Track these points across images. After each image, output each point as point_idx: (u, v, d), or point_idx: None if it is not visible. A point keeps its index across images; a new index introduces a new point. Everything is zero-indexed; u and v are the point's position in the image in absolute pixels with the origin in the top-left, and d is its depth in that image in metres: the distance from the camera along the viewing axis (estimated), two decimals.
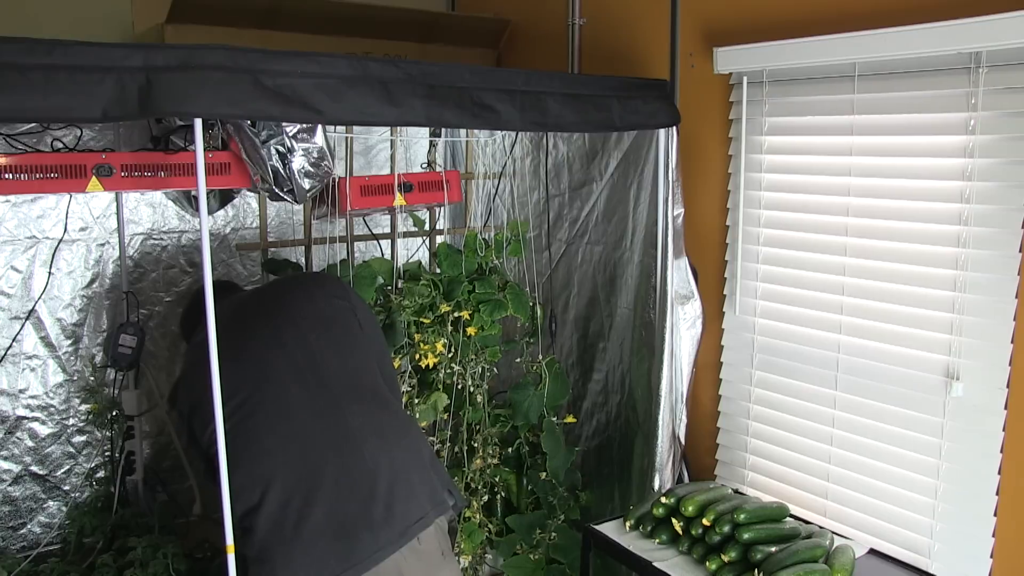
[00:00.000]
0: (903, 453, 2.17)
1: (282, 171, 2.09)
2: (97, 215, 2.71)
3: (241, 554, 1.74)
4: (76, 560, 2.41)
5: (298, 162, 2.10)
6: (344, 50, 2.72)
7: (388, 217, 2.82)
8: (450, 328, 2.58)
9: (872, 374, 2.23)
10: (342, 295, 2.12)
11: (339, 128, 2.52)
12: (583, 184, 2.89)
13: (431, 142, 2.81)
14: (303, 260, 2.75)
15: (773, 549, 2.07)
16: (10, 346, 2.59)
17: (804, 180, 2.36)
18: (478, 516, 2.65)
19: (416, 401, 2.55)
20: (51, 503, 2.71)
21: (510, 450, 2.74)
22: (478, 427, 2.68)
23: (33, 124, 2.08)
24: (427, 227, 2.90)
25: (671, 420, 2.56)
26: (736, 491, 2.45)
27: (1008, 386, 1.97)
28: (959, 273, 2.03)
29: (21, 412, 2.64)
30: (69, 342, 2.70)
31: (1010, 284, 1.95)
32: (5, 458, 2.63)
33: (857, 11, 2.15)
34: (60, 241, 2.63)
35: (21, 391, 2.64)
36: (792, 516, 2.31)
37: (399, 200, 2.52)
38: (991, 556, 2.03)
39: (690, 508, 2.21)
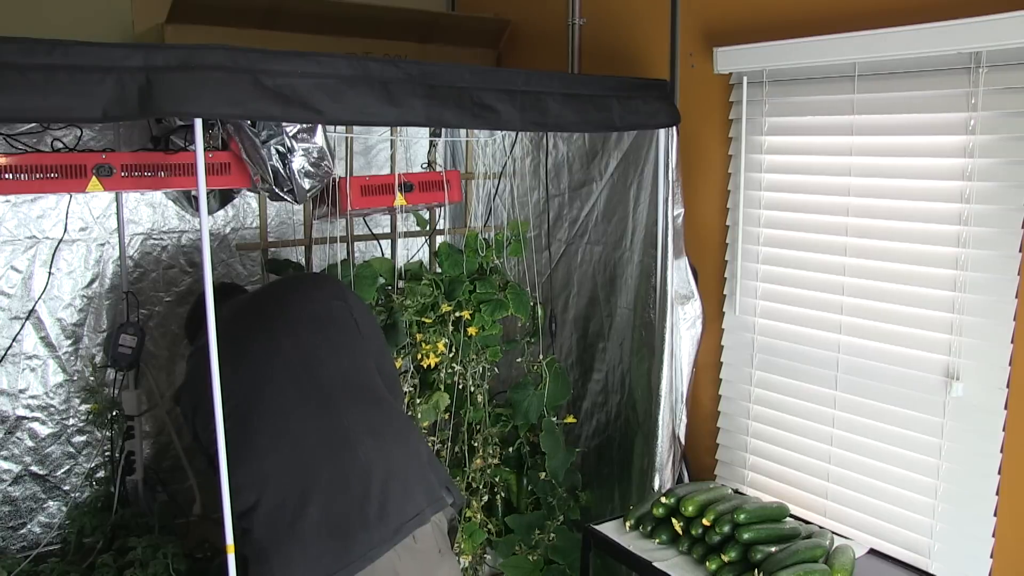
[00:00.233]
0: (903, 453, 2.17)
1: (282, 171, 2.09)
2: (97, 215, 2.71)
3: (241, 554, 1.75)
4: (76, 560, 2.41)
5: (298, 162, 2.10)
6: (344, 50, 2.72)
7: (388, 217, 2.82)
8: (451, 328, 2.58)
9: (872, 374, 2.23)
10: (339, 296, 2.13)
11: (339, 128, 2.52)
12: (583, 184, 2.89)
13: (431, 142, 2.81)
14: (303, 260, 2.75)
15: (773, 549, 2.07)
16: (10, 346, 2.59)
17: (804, 180, 2.36)
18: (479, 516, 2.65)
19: (418, 401, 2.55)
20: (51, 503, 2.71)
21: (510, 450, 2.74)
22: (478, 427, 2.68)
23: (33, 124, 2.08)
24: (427, 227, 2.90)
25: (671, 420, 2.56)
26: (736, 491, 2.45)
27: (1008, 386, 1.97)
28: (959, 273, 2.03)
29: (21, 412, 2.64)
30: (69, 342, 2.70)
31: (1010, 284, 1.95)
32: (5, 458, 2.63)
33: (857, 11, 2.15)
34: (60, 241, 2.63)
35: (21, 391, 2.64)
36: (792, 516, 2.30)
37: (399, 200, 2.52)
38: (991, 556, 2.03)
39: (690, 508, 2.21)
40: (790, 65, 2.26)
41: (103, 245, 2.73)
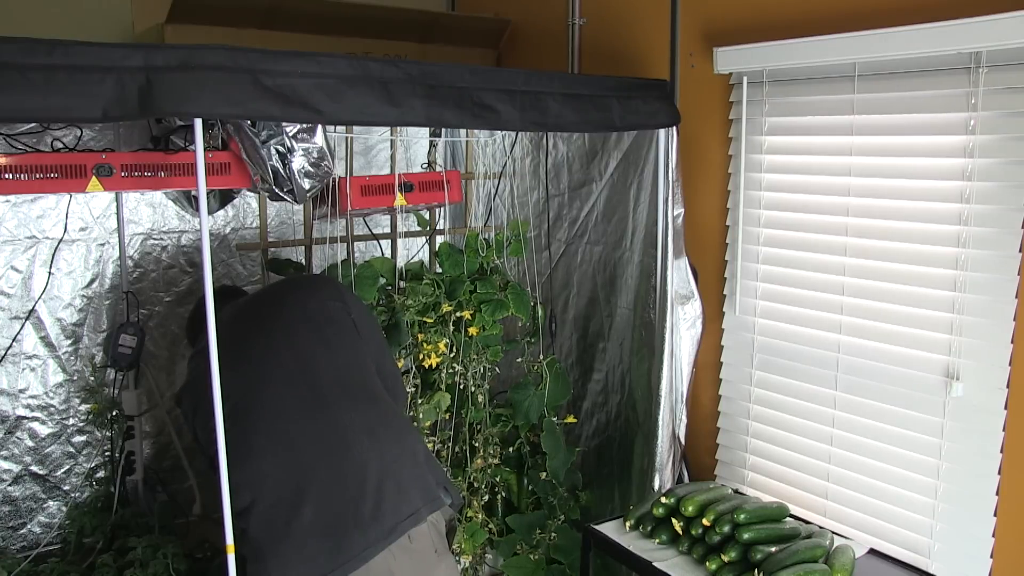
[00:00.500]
0: (903, 453, 2.17)
1: (282, 171, 2.09)
2: (97, 215, 2.71)
3: (240, 554, 1.75)
4: (76, 560, 2.41)
5: (298, 162, 2.10)
6: (344, 50, 2.72)
7: (388, 217, 2.82)
8: (451, 328, 2.58)
9: (872, 374, 2.23)
10: (337, 296, 2.13)
11: (339, 128, 2.52)
12: (583, 184, 2.89)
13: (431, 142, 2.81)
14: (303, 260, 2.75)
15: (773, 549, 2.07)
16: (10, 346, 2.59)
17: (804, 180, 2.36)
18: (480, 516, 2.65)
19: (419, 401, 2.55)
20: (51, 503, 2.71)
21: (511, 450, 2.74)
22: (479, 427, 2.68)
23: (33, 124, 2.08)
24: (428, 227, 2.90)
25: (671, 420, 2.56)
26: (736, 491, 2.45)
27: (1008, 386, 1.97)
28: (959, 273, 2.03)
29: (21, 412, 2.64)
30: (69, 342, 2.70)
31: (1010, 284, 1.95)
32: (5, 458, 2.63)
33: (857, 11, 2.15)
34: (60, 241, 2.63)
35: (21, 391, 2.64)
36: (792, 516, 2.31)
37: (399, 200, 2.52)
38: (991, 556, 2.03)
39: (690, 508, 2.21)
40: (790, 65, 2.26)
41: (103, 245, 2.73)
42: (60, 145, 2.11)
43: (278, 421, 1.88)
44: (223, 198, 2.60)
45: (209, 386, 1.66)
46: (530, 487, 2.74)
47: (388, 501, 1.80)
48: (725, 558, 2.10)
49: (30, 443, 2.66)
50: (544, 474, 2.67)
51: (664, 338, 2.52)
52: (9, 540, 2.64)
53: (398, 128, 2.79)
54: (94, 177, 1.96)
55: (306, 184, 2.15)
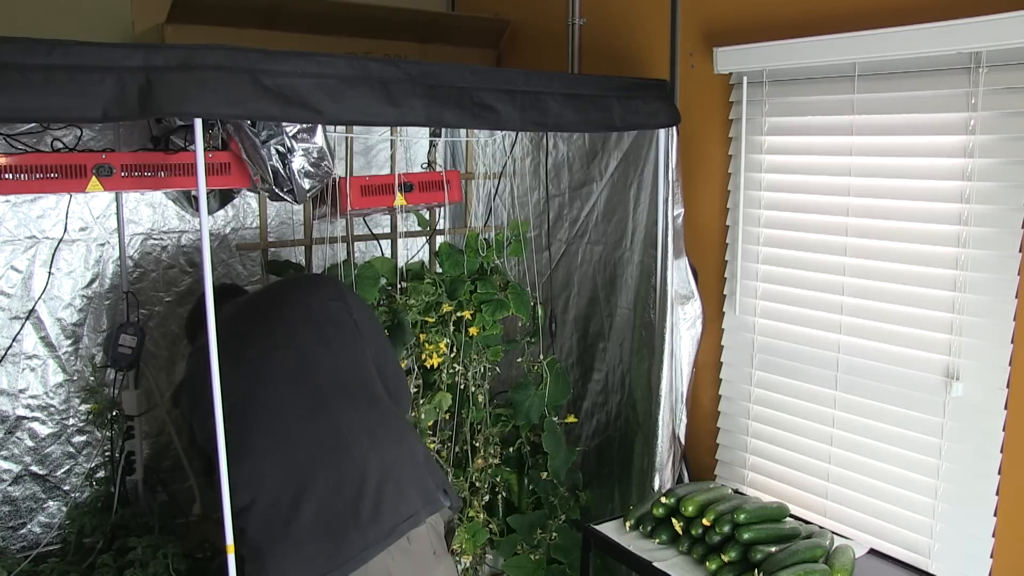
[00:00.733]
0: (903, 453, 2.17)
1: (282, 171, 2.09)
2: (97, 215, 2.71)
3: (239, 554, 1.75)
4: (76, 560, 2.40)
5: (298, 162, 2.10)
6: (344, 50, 2.72)
7: (388, 217, 2.82)
8: (452, 328, 2.58)
9: (872, 374, 2.23)
10: (338, 297, 2.12)
11: (339, 128, 2.52)
12: (583, 184, 2.89)
13: (431, 142, 2.81)
14: (303, 260, 2.75)
15: (773, 549, 2.07)
16: (10, 346, 2.59)
17: (804, 180, 2.36)
18: (481, 515, 2.65)
19: (421, 401, 2.55)
20: (51, 503, 2.71)
21: (511, 450, 2.74)
22: (479, 427, 2.68)
23: (33, 124, 2.08)
24: (428, 227, 2.90)
25: (671, 420, 2.56)
26: (736, 491, 2.45)
27: (1008, 386, 1.97)
28: (959, 273, 2.03)
29: (21, 412, 2.64)
30: (69, 342, 2.70)
31: (1010, 284, 1.95)
32: (5, 458, 2.63)
33: (857, 11, 2.15)
34: (60, 241, 2.63)
35: (21, 391, 2.64)
36: (792, 516, 2.31)
37: (399, 200, 2.52)
38: (991, 556, 2.03)
39: (690, 508, 2.21)
40: (790, 65, 2.26)
41: (103, 245, 2.73)
42: (60, 145, 2.11)
43: (278, 420, 1.88)
44: (223, 198, 2.60)
45: (209, 384, 1.66)
46: (531, 487, 2.74)
47: (387, 502, 1.80)
48: (725, 558, 2.10)
49: (30, 443, 2.66)
50: (545, 474, 2.67)
51: (664, 338, 2.52)
52: (9, 540, 2.64)
53: (398, 128, 2.79)
54: (94, 177, 1.96)
55: (306, 184, 2.15)
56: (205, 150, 1.91)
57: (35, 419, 2.67)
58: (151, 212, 2.80)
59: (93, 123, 2.36)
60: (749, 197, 2.48)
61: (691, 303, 2.54)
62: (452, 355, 2.59)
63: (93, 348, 2.73)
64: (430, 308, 2.55)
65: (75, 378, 2.70)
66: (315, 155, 2.13)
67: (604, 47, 2.93)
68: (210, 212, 2.69)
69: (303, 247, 2.71)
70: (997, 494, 2.01)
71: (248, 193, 2.78)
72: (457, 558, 2.56)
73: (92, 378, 2.69)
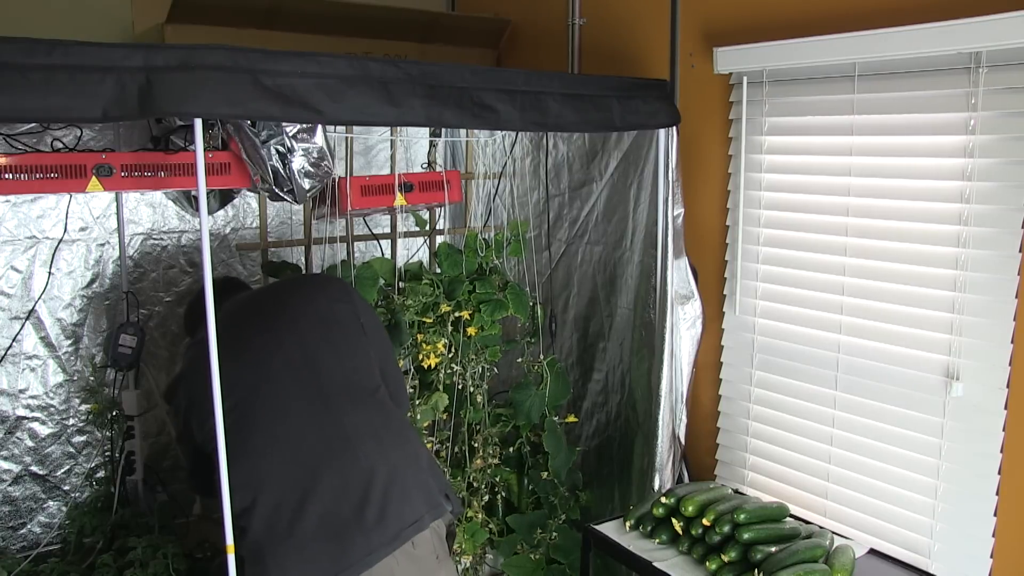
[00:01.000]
0: (903, 453, 2.17)
1: (282, 171, 2.09)
2: (97, 215, 2.71)
3: (239, 554, 1.74)
4: (76, 560, 2.41)
5: (298, 162, 2.10)
6: (344, 50, 2.72)
7: (388, 217, 2.82)
8: (450, 328, 2.58)
9: (872, 374, 2.23)
10: (345, 298, 2.11)
11: (339, 128, 2.52)
12: (583, 184, 2.89)
13: (431, 142, 2.81)
14: (303, 260, 2.75)
15: (773, 549, 2.07)
16: (10, 346, 2.59)
17: (804, 180, 2.36)
18: (480, 516, 2.65)
19: (417, 402, 2.55)
20: (51, 503, 2.71)
21: (511, 450, 2.74)
22: (478, 427, 2.68)
23: (33, 124, 2.08)
24: (428, 227, 2.90)
25: (671, 420, 2.56)
26: (736, 491, 2.45)
27: (1008, 386, 1.97)
28: (959, 273, 2.03)
29: (21, 412, 2.64)
30: (69, 342, 2.70)
31: (1010, 284, 1.95)
32: (5, 458, 2.63)
33: (857, 11, 2.15)
34: (60, 241, 2.63)
35: (21, 391, 2.64)
36: (792, 516, 2.31)
37: (399, 200, 2.52)
38: (991, 556, 2.03)
39: (690, 508, 2.21)
40: (790, 65, 2.26)
41: (103, 245, 2.73)
42: (60, 145, 2.11)
43: (282, 421, 1.86)
44: (223, 198, 2.60)
45: (209, 383, 1.64)
46: (530, 487, 2.74)
47: (393, 507, 1.80)
48: (725, 558, 2.10)
49: (30, 443, 2.66)
50: (545, 474, 2.67)
51: (664, 338, 2.52)
52: (9, 540, 2.64)
53: (398, 128, 2.79)
54: (94, 177, 1.96)
55: (306, 184, 2.15)
56: (205, 150, 1.91)
57: (35, 419, 2.67)
58: (151, 212, 2.80)
59: (93, 123, 2.36)
60: (749, 197, 2.48)
61: (691, 303, 2.54)
62: (450, 355, 2.59)
63: (93, 348, 2.72)
64: (428, 308, 2.55)
65: (75, 378, 2.70)
66: (315, 155, 2.13)
67: (604, 47, 2.93)
68: (210, 212, 2.69)
69: (303, 247, 2.71)
70: (997, 494, 2.01)
71: (248, 193, 2.78)
72: (457, 558, 2.56)
73: (92, 378, 2.69)
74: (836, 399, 2.32)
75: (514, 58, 3.32)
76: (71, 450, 2.73)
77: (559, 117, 2.16)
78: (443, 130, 2.89)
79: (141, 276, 2.80)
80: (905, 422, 2.16)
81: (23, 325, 2.61)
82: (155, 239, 2.82)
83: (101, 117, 1.52)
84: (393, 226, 2.80)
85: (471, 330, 2.59)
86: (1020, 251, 1.92)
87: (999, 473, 2.00)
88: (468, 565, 2.65)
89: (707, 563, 2.14)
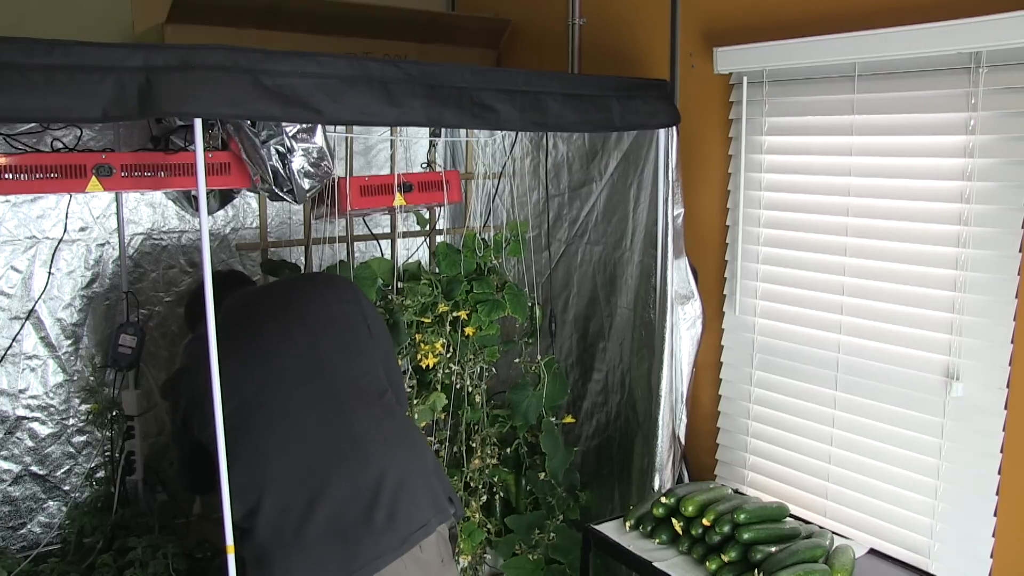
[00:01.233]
0: (903, 453, 2.17)
1: (282, 171, 2.09)
2: (97, 215, 2.71)
3: (240, 555, 1.74)
4: (76, 560, 2.41)
5: (298, 162, 2.10)
6: (344, 50, 2.72)
7: (388, 217, 2.82)
8: (448, 328, 2.58)
9: (872, 374, 2.23)
10: (352, 298, 2.10)
11: (339, 128, 2.52)
12: (583, 184, 2.89)
13: (431, 142, 2.81)
14: (303, 260, 2.75)
15: (773, 549, 2.07)
16: (10, 346, 2.59)
17: (804, 180, 2.36)
18: (478, 516, 2.65)
19: (415, 401, 2.55)
20: (51, 503, 2.71)
21: (508, 450, 2.74)
22: (476, 427, 2.68)
23: (33, 124, 2.08)
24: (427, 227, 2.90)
25: (671, 420, 2.56)
26: (736, 491, 2.45)
27: (1008, 386, 1.97)
28: (959, 273, 2.03)
29: (21, 412, 2.64)
30: (69, 342, 2.70)
31: (1010, 284, 1.95)
32: (5, 458, 2.63)
33: (857, 11, 2.15)
34: (60, 241, 2.63)
35: (21, 391, 2.64)
36: (792, 516, 2.31)
37: (399, 200, 2.51)
38: (991, 556, 2.03)
39: (690, 508, 2.21)
40: (790, 65, 2.26)
41: (103, 245, 2.73)
42: (60, 145, 2.11)
43: (291, 423, 1.85)
44: (223, 198, 2.60)
45: (209, 382, 1.63)
46: (528, 487, 2.74)
47: (401, 511, 1.79)
48: (725, 558, 2.10)
49: (30, 443, 2.66)
50: (543, 474, 2.67)
51: (664, 338, 2.52)
52: (9, 540, 2.64)
53: (398, 128, 2.79)
54: (94, 177, 1.96)
55: (306, 184, 2.15)
56: (205, 150, 1.91)
57: (35, 419, 2.67)
58: (151, 212, 2.80)
59: (93, 123, 2.35)
60: (749, 197, 2.48)
61: (691, 303, 2.54)
62: (448, 355, 2.59)
63: (93, 348, 2.72)
64: (426, 308, 2.55)
65: (75, 378, 2.70)
66: (315, 155, 2.13)
67: (604, 47, 2.93)
68: (210, 212, 2.69)
69: (303, 247, 2.71)
70: (997, 494, 2.01)
71: (248, 193, 2.77)
72: (456, 558, 2.56)
73: (92, 378, 2.69)
74: (836, 399, 2.32)
75: (514, 58, 3.32)
76: (71, 450, 2.73)
77: (559, 117, 2.16)
78: (443, 130, 2.89)
79: (141, 276, 2.80)
80: (905, 422, 2.16)
81: (23, 325, 2.61)
82: (155, 239, 2.82)
83: (101, 117, 1.51)
84: (393, 226, 2.80)
85: (469, 330, 2.59)
86: (1020, 251, 1.92)
87: (999, 473, 2.00)
88: (467, 565, 2.65)
89: (707, 563, 2.14)
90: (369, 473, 1.81)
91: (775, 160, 2.42)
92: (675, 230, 2.52)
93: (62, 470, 2.72)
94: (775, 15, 2.36)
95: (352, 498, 1.77)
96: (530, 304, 2.73)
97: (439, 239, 2.91)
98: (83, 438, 2.74)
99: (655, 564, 2.18)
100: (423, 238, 2.99)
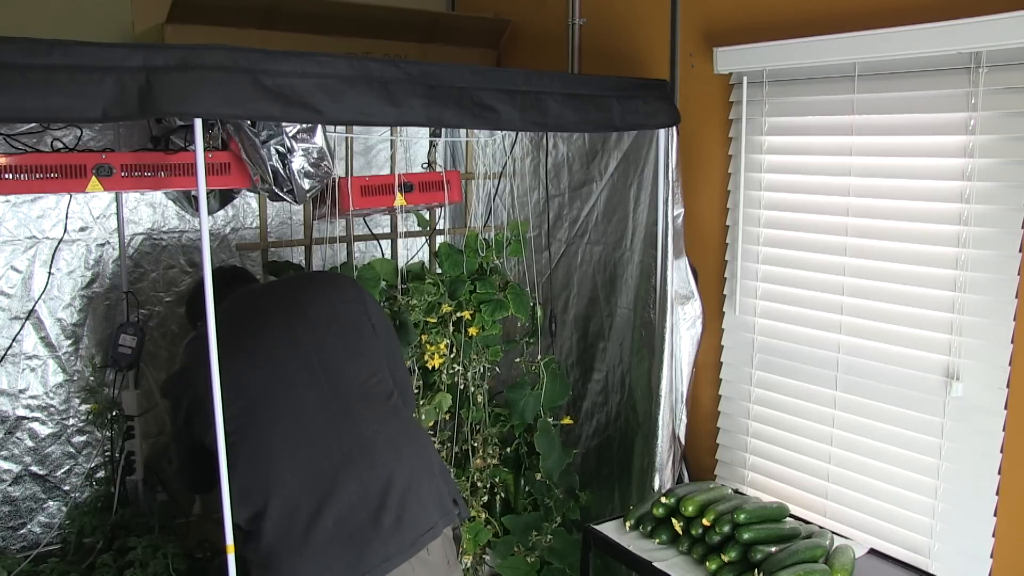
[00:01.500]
0: (903, 453, 2.17)
1: (282, 171, 2.09)
2: (97, 215, 2.71)
3: (242, 556, 1.73)
4: (76, 560, 2.41)
5: (298, 162, 2.10)
6: (344, 50, 2.72)
7: (388, 217, 2.82)
8: (451, 328, 2.58)
9: (872, 374, 2.23)
10: (358, 298, 2.08)
11: (339, 128, 2.52)
12: (583, 184, 2.89)
13: (431, 142, 2.81)
14: (303, 260, 2.75)
15: (773, 549, 2.07)
16: (10, 346, 2.59)
17: (804, 180, 2.36)
18: (483, 515, 2.65)
19: (421, 402, 2.55)
20: (51, 503, 2.71)
21: (509, 450, 2.74)
22: (478, 427, 2.68)
23: (33, 124, 2.08)
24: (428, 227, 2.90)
25: (671, 420, 2.56)
26: (736, 491, 2.45)
27: (1008, 386, 1.97)
28: (959, 273, 2.03)
29: (21, 412, 2.64)
30: (69, 342, 2.70)
31: (1010, 284, 1.95)
32: (5, 458, 2.63)
33: (857, 11, 2.15)
34: (60, 241, 2.63)
35: (21, 391, 2.64)
36: (792, 516, 2.31)
37: (399, 200, 2.52)
38: (991, 556, 2.03)
39: (690, 508, 2.21)
40: (790, 65, 2.26)
41: (103, 245, 2.73)
42: (60, 145, 2.11)
43: (298, 425, 1.83)
44: (223, 198, 2.60)
45: (210, 382, 1.62)
46: (527, 488, 2.74)
47: (409, 514, 1.79)
48: (725, 558, 2.10)
49: (30, 443, 2.66)
50: (540, 475, 2.66)
51: (664, 338, 2.52)
52: (9, 540, 2.64)
53: (398, 128, 2.79)
54: (94, 177, 1.96)
55: (306, 184, 2.15)
56: (205, 150, 1.91)
57: (35, 419, 2.67)
58: (151, 212, 2.80)
59: (93, 123, 2.36)
60: (749, 197, 2.48)
61: (691, 303, 2.54)
62: (452, 355, 2.59)
63: (93, 348, 2.72)
64: (432, 308, 2.55)
65: (75, 378, 2.70)
66: (315, 155, 2.13)
67: (604, 47, 2.93)
68: (210, 212, 2.69)
69: (303, 247, 2.71)
70: (997, 494, 2.01)
71: (248, 193, 2.77)
72: (459, 559, 2.56)
73: (92, 378, 2.69)
74: (836, 399, 2.32)
75: (514, 58, 3.32)
76: (71, 450, 2.73)
77: (559, 117, 2.16)
78: (443, 130, 2.89)
79: (141, 276, 2.80)
80: (905, 422, 2.16)
81: (23, 325, 2.61)
82: (155, 239, 2.82)
83: (101, 117, 1.51)
84: (393, 226, 2.81)
85: (472, 330, 2.59)
86: (1020, 251, 1.92)
87: (999, 473, 2.00)
88: (468, 565, 2.65)
89: (707, 563, 2.14)
90: (377, 476, 1.80)
91: (775, 160, 2.42)
92: (675, 230, 2.52)
93: (62, 470, 2.72)
94: (775, 15, 2.36)
95: (360, 501, 1.77)
96: (531, 304, 2.73)
97: (440, 239, 2.91)
98: (83, 438, 2.74)
99: (655, 564, 2.18)
100: (423, 238, 2.98)
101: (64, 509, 2.69)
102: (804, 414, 2.41)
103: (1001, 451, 1.99)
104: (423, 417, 2.53)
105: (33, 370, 2.65)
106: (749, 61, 2.33)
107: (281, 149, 2.07)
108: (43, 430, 2.68)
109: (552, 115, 2.15)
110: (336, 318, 2.02)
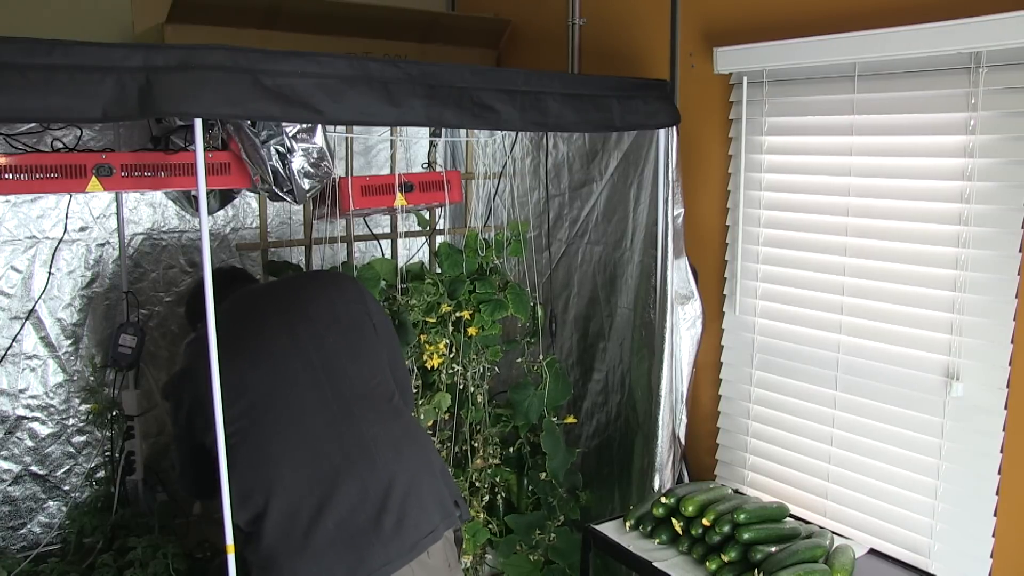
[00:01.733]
0: (903, 453, 2.17)
1: (282, 171, 2.09)
2: (97, 215, 2.71)
3: (242, 556, 1.73)
4: (76, 560, 2.41)
5: (298, 162, 2.10)
6: (344, 50, 2.72)
7: (388, 217, 2.82)
8: (451, 328, 2.58)
9: (872, 374, 2.23)
10: (357, 298, 2.08)
11: (339, 128, 2.52)
12: (583, 184, 2.89)
13: (431, 142, 2.82)
14: (303, 260, 2.75)
15: (773, 549, 2.07)
16: (10, 346, 2.59)
17: (804, 180, 2.36)
18: (481, 515, 2.65)
19: (420, 402, 2.55)
20: (51, 503, 2.71)
21: (511, 450, 2.74)
22: (478, 427, 2.68)
23: (33, 124, 2.08)
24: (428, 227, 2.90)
25: (671, 420, 2.56)
26: (736, 491, 2.45)
27: (1008, 386, 1.97)
28: (959, 273, 2.03)
29: (21, 412, 2.64)
30: (69, 342, 2.70)
31: (1010, 284, 1.95)
32: (5, 458, 2.63)
33: (857, 11, 2.15)
34: (60, 241, 2.63)
35: (21, 391, 2.64)
36: (792, 516, 2.31)
37: (399, 200, 2.52)
38: (991, 556, 2.03)
39: (690, 508, 2.21)
40: (790, 65, 2.26)
41: (103, 245, 2.73)
42: (60, 145, 2.11)
43: (300, 426, 1.83)
44: (223, 198, 2.60)
45: (210, 382, 1.62)
46: (530, 487, 2.74)
47: (410, 517, 1.79)
48: (725, 558, 2.10)
49: (30, 443, 2.66)
50: (544, 474, 2.67)
51: (664, 338, 2.52)
52: (9, 540, 2.64)
53: (398, 128, 2.79)
54: (94, 177, 1.96)
55: (306, 184, 2.15)
56: (205, 150, 1.91)
57: (35, 419, 2.67)
58: (151, 212, 2.80)
59: (93, 123, 2.36)
60: (749, 197, 2.48)
61: (691, 303, 2.54)
62: (451, 355, 2.59)
63: (93, 348, 2.72)
64: (431, 308, 2.55)
65: (75, 378, 2.70)
66: (315, 155, 2.13)
67: (604, 47, 2.93)
68: (210, 212, 2.69)
69: (303, 247, 2.71)
70: (997, 494, 2.01)
71: (248, 193, 2.77)
72: (459, 559, 2.56)
73: (92, 378, 2.69)
74: (836, 399, 2.32)
75: (514, 58, 3.32)
76: (71, 450, 2.73)
77: (559, 117, 2.16)
78: (443, 130, 2.89)
79: (141, 276, 2.80)
80: (905, 422, 2.16)
81: (23, 325, 2.61)
82: (155, 239, 2.82)
83: (101, 117, 1.51)
84: (393, 226, 2.81)
85: (472, 330, 2.59)
86: (1020, 251, 1.92)
87: (999, 473, 2.00)
88: (468, 565, 2.65)
89: (707, 563, 2.14)
90: (378, 478, 1.79)
91: (775, 160, 2.42)
92: (675, 230, 2.52)
93: (62, 470, 2.72)
94: (775, 15, 2.36)
95: (361, 503, 1.76)
96: (532, 304, 2.73)
97: (440, 239, 2.91)
98: (83, 438, 2.74)
99: (655, 564, 2.18)
100: (423, 238, 2.98)
101: (64, 509, 2.69)
102: (804, 414, 2.41)
103: (1001, 451, 1.99)
104: (422, 417, 2.53)
105: (33, 370, 2.65)
106: (749, 61, 2.33)
107: (281, 149, 2.07)
108: (43, 430, 2.68)
109: (552, 115, 2.15)
110: (337, 318, 2.01)
